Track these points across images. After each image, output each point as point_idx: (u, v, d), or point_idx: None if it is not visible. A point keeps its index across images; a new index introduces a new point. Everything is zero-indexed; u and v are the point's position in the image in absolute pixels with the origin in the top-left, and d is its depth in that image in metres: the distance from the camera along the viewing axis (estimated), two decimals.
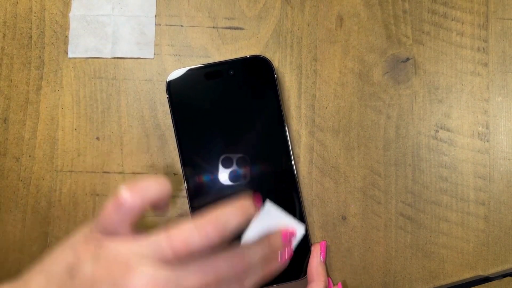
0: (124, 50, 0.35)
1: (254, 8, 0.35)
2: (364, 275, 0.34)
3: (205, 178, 0.32)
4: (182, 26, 0.35)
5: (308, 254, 0.32)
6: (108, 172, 0.34)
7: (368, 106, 0.35)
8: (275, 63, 0.35)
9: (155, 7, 0.35)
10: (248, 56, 0.33)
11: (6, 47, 0.35)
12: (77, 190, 0.34)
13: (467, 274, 0.34)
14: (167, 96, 0.32)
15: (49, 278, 0.21)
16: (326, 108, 0.35)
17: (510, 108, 0.35)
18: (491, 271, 0.34)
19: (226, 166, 0.32)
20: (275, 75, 0.33)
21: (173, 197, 0.34)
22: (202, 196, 0.32)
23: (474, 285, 0.33)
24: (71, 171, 0.34)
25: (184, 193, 0.34)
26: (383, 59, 0.35)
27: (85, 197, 0.34)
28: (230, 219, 0.23)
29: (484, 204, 0.34)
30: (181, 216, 0.34)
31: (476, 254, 0.34)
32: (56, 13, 0.35)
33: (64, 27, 0.35)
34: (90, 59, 0.35)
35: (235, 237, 0.25)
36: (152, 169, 0.34)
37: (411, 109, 0.35)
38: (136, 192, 0.22)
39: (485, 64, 0.35)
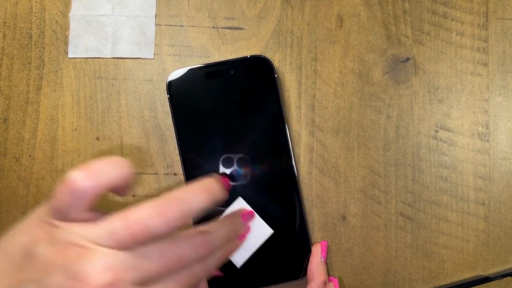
0: (124, 50, 0.35)
1: (254, 8, 0.35)
2: (364, 275, 0.34)
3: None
4: (182, 26, 0.35)
5: (309, 254, 0.32)
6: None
7: (368, 106, 0.35)
8: (275, 63, 0.35)
9: (155, 7, 0.35)
10: (248, 56, 0.33)
11: (6, 47, 0.35)
12: None
13: (467, 274, 0.34)
14: (168, 96, 0.32)
15: (5, 259, 0.20)
16: (326, 108, 0.35)
17: (510, 108, 0.35)
18: (491, 271, 0.34)
19: (226, 166, 0.32)
20: (276, 75, 0.33)
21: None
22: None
23: (474, 285, 0.33)
24: None
25: None
26: (383, 59, 0.35)
27: None
28: (194, 201, 0.21)
29: (484, 204, 0.34)
30: None
31: (476, 254, 0.34)
32: (56, 13, 0.35)
33: (64, 27, 0.35)
34: (90, 59, 0.35)
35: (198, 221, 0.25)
36: (152, 169, 0.34)
37: (411, 109, 0.35)
38: (90, 176, 0.20)
39: (485, 64, 0.35)
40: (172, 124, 0.33)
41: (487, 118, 0.35)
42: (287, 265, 0.32)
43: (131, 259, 0.19)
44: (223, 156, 0.32)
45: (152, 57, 0.35)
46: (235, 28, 0.35)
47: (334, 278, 0.33)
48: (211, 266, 0.24)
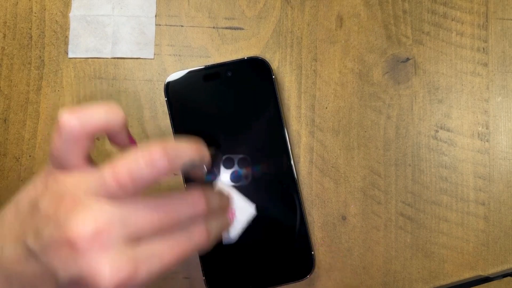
0: (124, 50, 0.35)
1: (254, 8, 0.35)
2: (364, 275, 0.34)
3: (206, 178, 0.33)
4: (182, 26, 0.35)
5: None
6: None
7: (368, 106, 0.35)
8: (275, 63, 0.35)
9: (155, 7, 0.35)
10: (246, 58, 0.33)
11: (6, 47, 0.35)
12: None
13: (467, 274, 0.34)
14: (166, 99, 0.32)
15: (16, 210, 0.21)
16: (326, 108, 0.35)
17: (510, 108, 0.35)
18: (491, 271, 0.34)
19: (227, 167, 0.32)
20: (273, 76, 0.33)
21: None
22: None
23: (474, 285, 0.33)
24: None
25: None
26: (383, 59, 0.35)
27: None
28: (182, 151, 0.21)
29: (484, 204, 0.34)
30: None
31: (476, 254, 0.34)
32: (56, 13, 0.35)
33: (64, 27, 0.35)
34: (90, 59, 0.35)
35: None
36: None
37: (411, 109, 0.35)
38: (77, 116, 0.20)
39: (485, 64, 0.35)
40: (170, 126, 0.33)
41: (487, 118, 0.35)
42: (287, 266, 0.32)
43: (119, 211, 0.19)
44: (224, 157, 0.32)
45: (152, 57, 0.35)
46: (235, 28, 0.35)
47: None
48: (207, 233, 0.23)
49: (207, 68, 0.33)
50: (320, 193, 0.34)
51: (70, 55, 0.35)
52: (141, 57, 0.35)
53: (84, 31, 0.35)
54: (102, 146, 0.34)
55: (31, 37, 0.35)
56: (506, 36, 0.35)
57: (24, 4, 0.35)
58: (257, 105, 0.33)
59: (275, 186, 0.33)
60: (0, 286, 0.21)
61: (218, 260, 0.32)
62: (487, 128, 0.35)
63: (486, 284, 0.33)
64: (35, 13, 0.35)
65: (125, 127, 0.23)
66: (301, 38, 0.35)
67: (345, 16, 0.35)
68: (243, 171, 0.32)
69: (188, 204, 0.22)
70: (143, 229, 0.20)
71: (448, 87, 0.35)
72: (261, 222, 0.32)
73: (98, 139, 0.34)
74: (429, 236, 0.34)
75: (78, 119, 0.20)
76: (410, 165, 0.34)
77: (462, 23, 0.35)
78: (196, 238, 0.22)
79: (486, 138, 0.35)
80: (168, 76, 0.33)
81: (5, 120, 0.34)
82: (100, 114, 0.21)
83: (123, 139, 0.23)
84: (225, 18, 0.35)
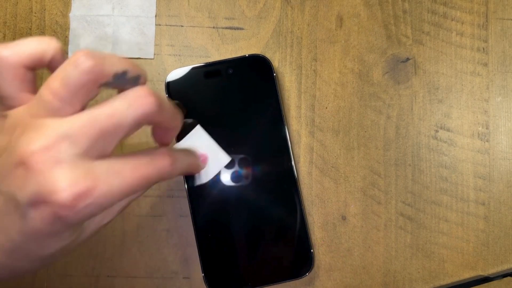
0: (124, 50, 0.35)
1: (254, 8, 0.35)
2: (364, 275, 0.34)
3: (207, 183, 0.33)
4: (182, 26, 0.35)
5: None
6: None
7: (368, 106, 0.35)
8: (275, 63, 0.35)
9: (155, 7, 0.35)
10: (247, 55, 0.33)
11: None
12: None
13: (467, 274, 0.34)
14: (166, 96, 0.33)
15: None
16: (326, 108, 0.35)
17: (510, 108, 0.35)
18: (491, 271, 0.34)
19: (227, 166, 0.32)
20: (274, 74, 0.33)
21: (172, 197, 0.34)
22: (202, 197, 0.32)
23: (474, 285, 0.33)
24: None
25: (184, 193, 0.34)
26: (383, 59, 0.35)
27: None
28: (112, 59, 0.20)
29: (484, 204, 0.34)
30: (181, 216, 0.34)
31: (476, 254, 0.34)
32: (56, 13, 0.35)
33: (64, 27, 0.35)
34: None
35: None
36: None
37: (411, 109, 0.35)
38: (9, 47, 0.21)
39: (485, 64, 0.35)
40: None
41: (487, 118, 0.35)
42: (287, 264, 0.32)
43: (68, 125, 0.19)
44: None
45: (152, 57, 0.35)
46: (235, 28, 0.35)
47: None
48: (171, 159, 0.22)
49: (208, 65, 0.33)
50: (320, 193, 0.34)
51: (70, 55, 0.35)
52: (141, 57, 0.35)
53: (84, 31, 0.35)
54: None
55: None
56: (506, 36, 0.35)
57: (24, 4, 0.35)
58: (258, 103, 0.33)
59: (275, 183, 0.33)
60: None
61: (217, 258, 0.32)
62: (487, 128, 0.35)
63: (486, 284, 0.33)
64: (35, 13, 0.35)
65: (63, 56, 0.22)
66: (301, 38, 0.35)
67: (345, 16, 0.35)
68: (243, 171, 0.32)
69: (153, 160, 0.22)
70: (96, 142, 0.19)
71: (448, 87, 0.35)
72: (260, 221, 0.32)
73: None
74: (429, 236, 0.34)
75: (10, 49, 0.21)
76: (410, 165, 0.34)
77: (462, 23, 0.35)
78: (159, 162, 0.22)
79: (486, 138, 0.35)
80: (169, 72, 0.33)
81: None
82: (32, 43, 0.21)
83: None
84: (225, 18, 0.35)
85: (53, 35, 0.35)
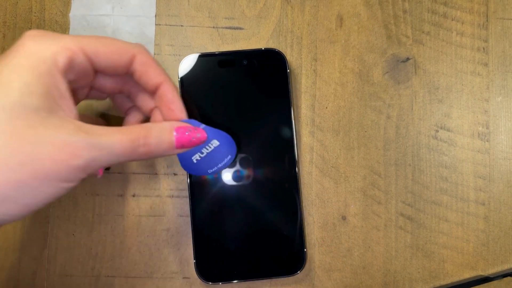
0: None
1: (254, 8, 0.35)
2: (364, 275, 0.34)
3: (208, 176, 0.33)
4: (182, 26, 0.35)
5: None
6: (108, 172, 0.34)
7: (368, 106, 0.35)
8: None
9: (155, 7, 0.35)
10: (263, 48, 0.33)
11: (6, 47, 0.35)
12: (77, 190, 0.34)
13: (467, 274, 0.34)
14: (178, 79, 0.32)
15: None
16: (326, 108, 0.35)
17: (510, 108, 0.35)
18: (491, 271, 0.34)
19: (229, 165, 0.32)
20: (288, 70, 0.33)
21: (172, 197, 0.34)
22: (203, 196, 0.32)
23: (474, 285, 0.33)
24: None
25: (185, 193, 0.34)
26: (383, 59, 0.35)
27: (85, 197, 0.34)
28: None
29: (484, 204, 0.34)
30: (181, 216, 0.34)
31: (476, 254, 0.34)
32: (56, 13, 0.35)
33: (64, 27, 0.35)
34: None
35: None
36: (152, 169, 0.34)
37: (411, 109, 0.35)
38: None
39: (485, 64, 0.35)
40: None
41: (487, 118, 0.35)
42: (279, 261, 0.32)
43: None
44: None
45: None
46: (235, 28, 0.35)
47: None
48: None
49: (223, 54, 0.33)
50: (320, 193, 0.34)
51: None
52: None
53: (84, 31, 0.35)
54: None
55: None
56: (506, 36, 0.35)
57: (24, 4, 0.35)
58: (268, 97, 0.33)
59: (276, 185, 0.33)
60: None
61: (210, 248, 0.32)
62: (487, 128, 0.35)
63: (486, 284, 0.33)
64: (35, 13, 0.35)
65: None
66: (301, 38, 0.35)
67: (345, 16, 0.35)
68: (245, 172, 0.32)
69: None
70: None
71: (448, 87, 0.35)
72: (256, 217, 0.32)
73: None
74: (429, 236, 0.34)
75: None
76: (410, 165, 0.34)
77: (462, 23, 0.35)
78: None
79: (486, 138, 0.35)
80: (185, 57, 0.33)
81: None
82: None
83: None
84: (225, 18, 0.35)
85: None
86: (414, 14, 0.35)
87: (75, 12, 0.35)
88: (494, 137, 0.35)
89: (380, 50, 0.35)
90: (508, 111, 0.35)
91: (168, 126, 0.26)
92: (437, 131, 0.35)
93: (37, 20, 0.35)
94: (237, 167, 0.32)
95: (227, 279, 0.32)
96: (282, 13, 0.35)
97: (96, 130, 0.22)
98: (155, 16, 0.35)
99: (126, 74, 0.26)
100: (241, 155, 0.32)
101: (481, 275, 0.34)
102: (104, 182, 0.34)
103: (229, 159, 0.29)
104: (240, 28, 0.35)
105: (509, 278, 0.33)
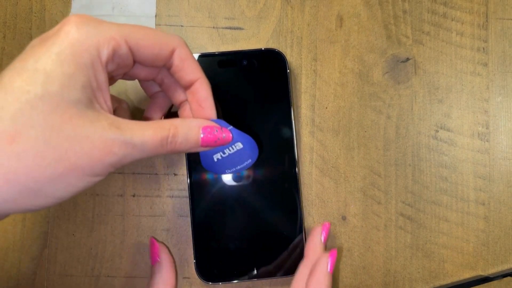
0: None
1: (254, 8, 0.35)
2: (364, 275, 0.34)
3: (208, 176, 0.33)
4: (182, 26, 0.35)
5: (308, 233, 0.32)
6: None
7: (368, 106, 0.35)
8: None
9: (155, 7, 0.35)
10: (263, 49, 0.33)
11: (6, 47, 0.35)
12: None
13: (467, 274, 0.34)
14: None
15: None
16: (326, 108, 0.35)
17: (510, 108, 0.35)
18: (491, 271, 0.34)
19: None
20: (288, 70, 0.33)
21: (172, 197, 0.34)
22: (203, 196, 0.32)
23: (474, 285, 0.33)
24: None
25: (185, 193, 0.34)
26: (383, 59, 0.35)
27: (85, 197, 0.34)
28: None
29: (484, 204, 0.34)
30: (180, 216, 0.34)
31: (476, 254, 0.34)
32: (56, 13, 0.35)
33: None
34: None
35: None
36: (152, 169, 0.34)
37: (411, 109, 0.35)
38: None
39: (485, 64, 0.35)
40: None
41: (487, 118, 0.35)
42: (279, 261, 0.32)
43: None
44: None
45: None
46: (235, 28, 0.35)
47: (334, 249, 0.31)
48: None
49: (223, 54, 0.33)
50: (320, 193, 0.34)
51: None
52: None
53: None
54: None
55: (31, 37, 0.35)
56: (506, 36, 0.35)
57: (24, 4, 0.35)
58: (268, 97, 0.33)
59: (277, 185, 0.33)
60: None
61: (210, 247, 0.32)
62: (487, 128, 0.35)
63: (486, 284, 0.33)
64: (35, 13, 0.35)
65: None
66: (301, 38, 0.35)
67: (345, 16, 0.35)
68: (245, 172, 0.32)
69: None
70: None
71: (448, 87, 0.35)
72: (256, 217, 0.32)
73: None
74: (429, 236, 0.34)
75: None
76: (410, 165, 0.34)
77: (462, 23, 0.35)
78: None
79: (486, 138, 0.35)
80: None
81: None
82: None
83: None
84: (225, 18, 0.35)
85: None
86: (414, 14, 0.35)
87: (75, 12, 0.35)
88: (494, 137, 0.35)
89: (380, 50, 0.35)
90: (508, 111, 0.35)
91: (195, 124, 0.26)
92: (437, 131, 0.35)
93: (37, 20, 0.35)
94: (239, 176, 0.33)
95: (227, 279, 0.32)
96: (282, 13, 0.35)
97: (128, 125, 0.22)
98: (155, 16, 0.35)
99: (163, 67, 0.26)
100: None
101: (481, 275, 0.34)
102: (104, 182, 0.34)
103: (249, 162, 0.29)
104: (240, 28, 0.35)
105: (509, 278, 0.33)
